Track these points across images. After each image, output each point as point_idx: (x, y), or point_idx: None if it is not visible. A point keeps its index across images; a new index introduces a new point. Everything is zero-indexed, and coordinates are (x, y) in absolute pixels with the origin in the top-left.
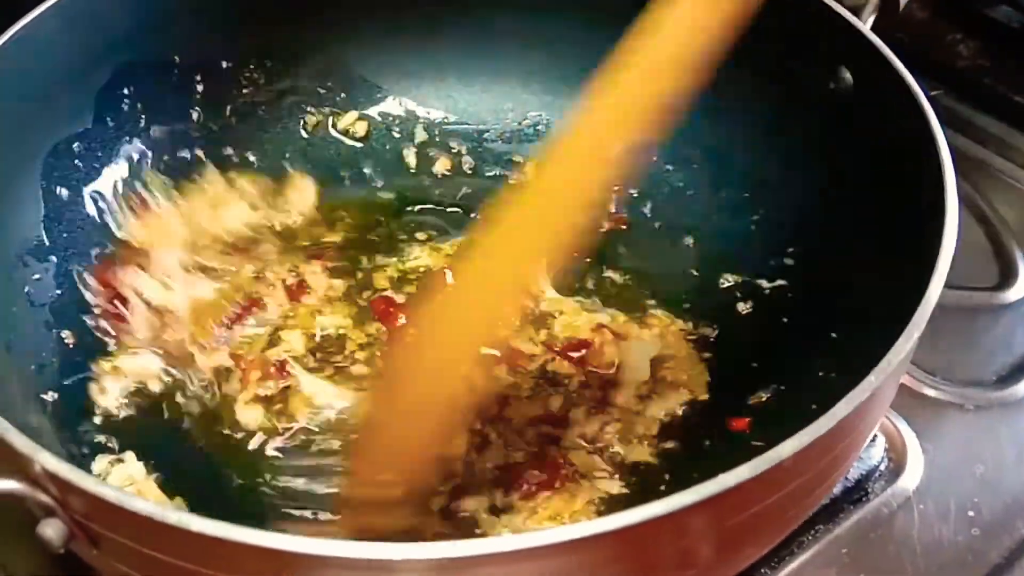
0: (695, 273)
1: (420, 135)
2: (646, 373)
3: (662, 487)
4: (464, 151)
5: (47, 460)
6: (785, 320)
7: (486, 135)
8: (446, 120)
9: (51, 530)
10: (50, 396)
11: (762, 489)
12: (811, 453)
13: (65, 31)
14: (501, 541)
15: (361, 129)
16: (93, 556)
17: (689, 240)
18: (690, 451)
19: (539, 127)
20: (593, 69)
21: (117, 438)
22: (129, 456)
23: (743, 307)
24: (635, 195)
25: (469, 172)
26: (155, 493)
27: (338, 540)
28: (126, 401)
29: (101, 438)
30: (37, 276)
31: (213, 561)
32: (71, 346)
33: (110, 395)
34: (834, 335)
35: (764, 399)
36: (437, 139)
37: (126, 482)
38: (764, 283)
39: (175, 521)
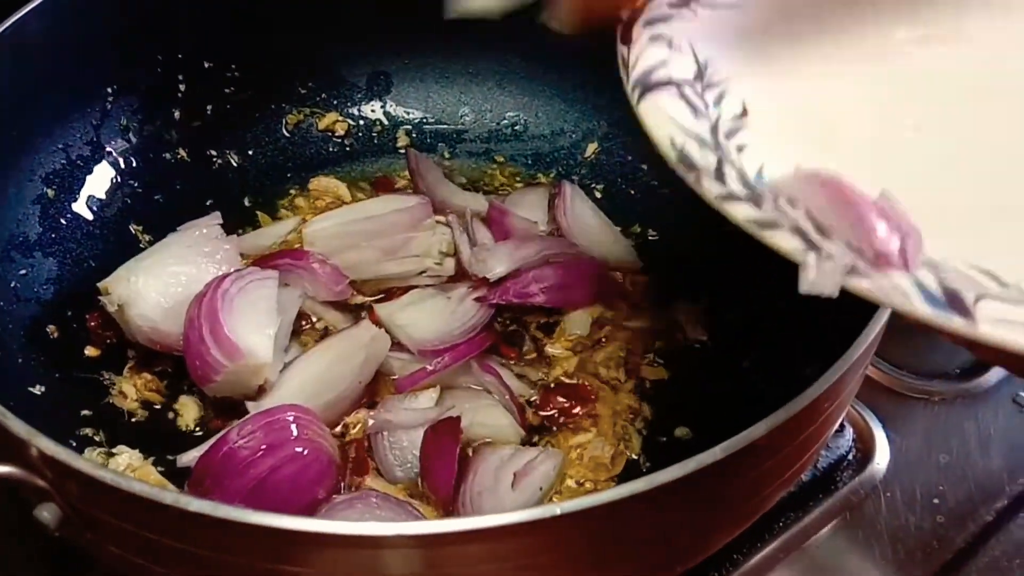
0: (666, 271)
1: (399, 135)
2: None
3: None
4: (445, 152)
5: (44, 444)
6: (756, 318)
7: (465, 135)
8: (425, 120)
9: (47, 513)
10: (37, 389)
11: (735, 468)
12: (782, 434)
13: (49, 32)
14: (483, 520)
15: (341, 129)
16: (88, 540)
17: (655, 235)
18: None
19: (516, 127)
20: (568, 70)
21: (105, 432)
22: (121, 448)
23: (704, 304)
24: (612, 193)
25: (450, 170)
26: (155, 477)
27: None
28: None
29: (88, 431)
30: (23, 271)
31: (209, 542)
32: (58, 341)
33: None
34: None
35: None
36: (416, 139)
37: (126, 470)
38: (733, 281)
39: (172, 502)
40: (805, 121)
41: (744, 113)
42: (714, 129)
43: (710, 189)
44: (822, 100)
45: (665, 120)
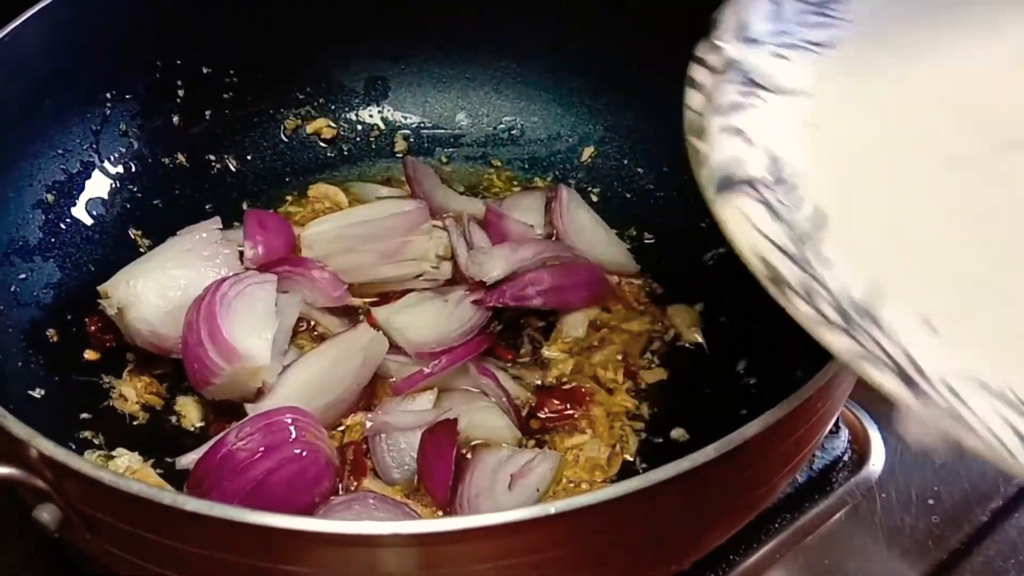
0: (662, 274)
1: (398, 139)
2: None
3: None
4: (442, 156)
5: (44, 445)
6: (751, 320)
7: (462, 140)
8: (423, 125)
9: (46, 515)
10: (37, 393)
11: (728, 468)
12: (775, 434)
13: (49, 37)
14: (477, 519)
15: (329, 133)
16: (87, 540)
17: (651, 238)
18: None
19: (513, 132)
20: (564, 75)
21: (105, 435)
22: (120, 450)
23: (699, 307)
24: (608, 196)
25: (447, 175)
26: (154, 479)
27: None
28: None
29: (87, 434)
30: (23, 276)
31: (207, 541)
32: (58, 345)
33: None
34: (804, 337)
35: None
36: (413, 142)
37: (126, 472)
38: (728, 283)
39: (170, 502)
40: (880, 223)
41: (819, 214)
42: (795, 236)
43: (803, 312)
44: (898, 201)
45: (746, 227)
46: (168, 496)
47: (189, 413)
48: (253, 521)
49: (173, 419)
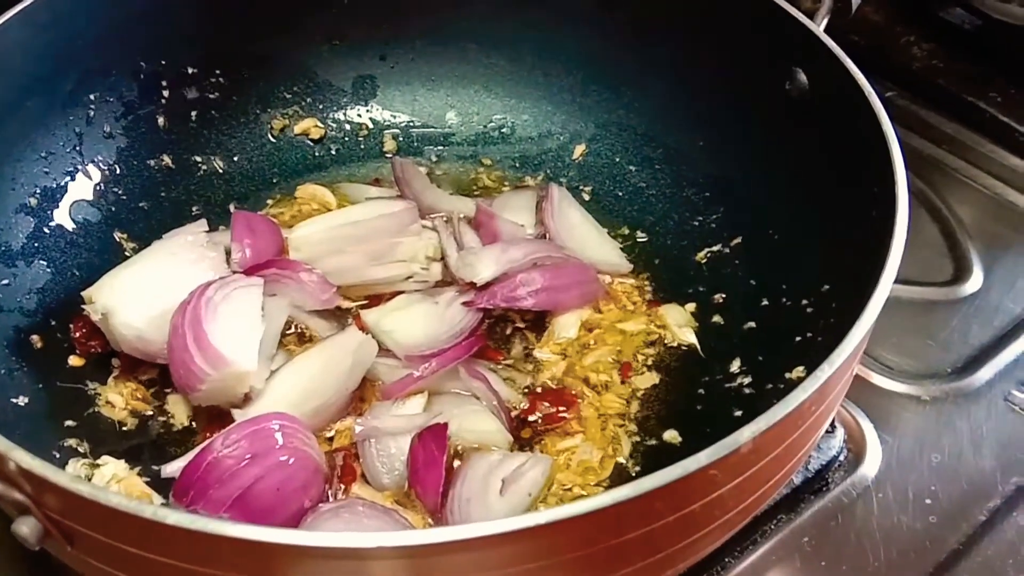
0: (654, 273)
1: (387, 139)
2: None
3: None
4: (432, 155)
5: (21, 458)
6: (745, 320)
7: (452, 138)
8: (412, 124)
9: (26, 528)
10: (21, 400)
11: (723, 473)
12: (768, 439)
13: (31, 38)
14: (465, 529)
15: (316, 133)
16: (68, 553)
17: (643, 237)
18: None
19: (503, 130)
20: (554, 72)
21: (90, 442)
22: (105, 459)
23: (692, 307)
24: (600, 195)
25: (437, 174)
26: (140, 488)
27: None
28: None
29: (72, 442)
30: (6, 281)
31: (189, 555)
32: (42, 351)
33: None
34: (798, 337)
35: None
36: (402, 142)
37: (111, 481)
38: (722, 282)
39: (151, 515)
40: None
41: None
42: None
43: None
44: None
45: None
46: (148, 509)
47: (178, 413)
48: (234, 534)
49: (160, 425)
